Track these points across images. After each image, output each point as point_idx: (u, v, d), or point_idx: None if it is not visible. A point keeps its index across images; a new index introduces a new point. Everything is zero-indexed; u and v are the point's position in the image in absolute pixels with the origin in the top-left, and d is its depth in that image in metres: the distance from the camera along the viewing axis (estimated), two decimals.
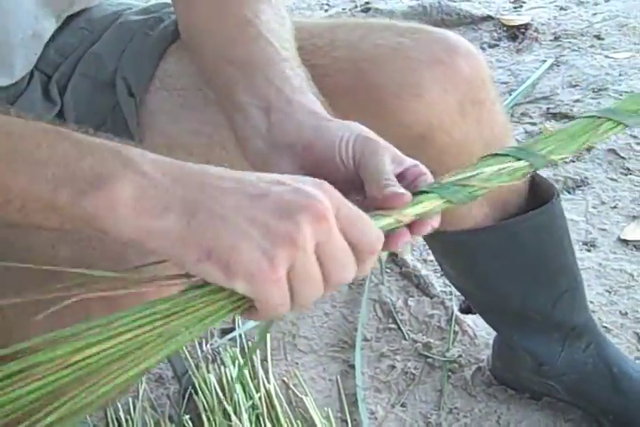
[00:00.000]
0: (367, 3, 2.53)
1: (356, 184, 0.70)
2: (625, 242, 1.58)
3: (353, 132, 0.71)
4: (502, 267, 1.10)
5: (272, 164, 0.74)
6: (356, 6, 2.53)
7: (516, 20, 2.32)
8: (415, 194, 0.68)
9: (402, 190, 0.66)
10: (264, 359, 1.39)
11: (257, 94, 0.77)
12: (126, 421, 1.32)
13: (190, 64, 0.93)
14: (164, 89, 0.95)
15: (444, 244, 1.12)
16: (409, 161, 0.71)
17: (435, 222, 0.69)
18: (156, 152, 0.94)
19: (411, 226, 0.67)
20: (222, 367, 1.36)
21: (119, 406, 1.34)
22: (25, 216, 0.61)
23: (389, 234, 0.66)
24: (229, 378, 1.33)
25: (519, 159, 0.71)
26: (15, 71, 0.92)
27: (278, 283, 0.59)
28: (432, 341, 1.41)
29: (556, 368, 1.21)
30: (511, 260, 1.09)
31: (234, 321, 1.48)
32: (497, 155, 0.72)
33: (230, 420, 1.25)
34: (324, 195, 0.60)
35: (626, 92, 1.99)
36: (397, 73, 0.89)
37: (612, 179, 1.74)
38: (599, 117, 0.76)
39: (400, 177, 0.69)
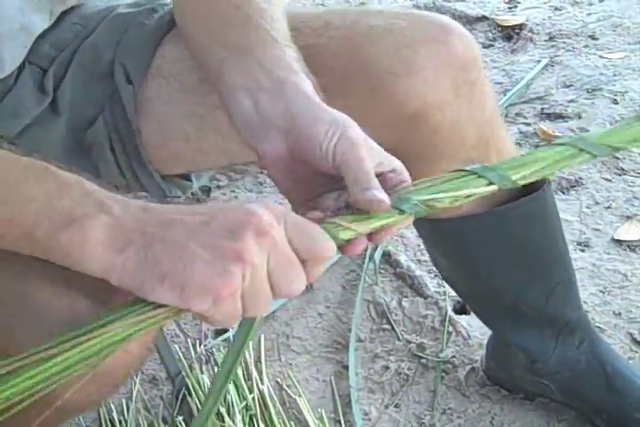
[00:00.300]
0: (362, 3, 2.54)
1: (337, 177, 0.73)
2: (619, 242, 1.59)
3: (338, 130, 0.73)
4: (494, 256, 1.11)
5: (264, 142, 0.77)
6: (351, 6, 2.53)
7: (511, 20, 2.32)
8: None
9: (382, 196, 0.69)
10: (257, 360, 1.39)
11: (248, 77, 0.79)
12: (120, 422, 1.32)
13: (186, 49, 0.94)
14: (160, 76, 0.97)
15: (437, 232, 1.12)
16: (392, 163, 0.74)
17: (392, 231, 0.72)
18: (152, 139, 0.97)
19: (370, 235, 0.71)
20: (216, 368, 1.36)
21: (112, 407, 1.34)
22: (4, 243, 0.67)
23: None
24: None
25: (488, 180, 0.74)
26: (5, 66, 0.93)
27: (233, 297, 0.63)
28: (426, 341, 1.41)
29: (550, 366, 1.21)
30: (503, 248, 1.10)
31: None
32: (464, 170, 0.75)
33: (224, 421, 1.25)
34: (265, 210, 0.65)
35: (620, 92, 1.99)
36: (392, 49, 0.90)
37: (606, 179, 1.74)
38: (581, 150, 0.78)
39: (382, 179, 0.72)
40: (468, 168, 0.76)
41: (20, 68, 0.97)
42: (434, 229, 1.10)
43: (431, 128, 0.93)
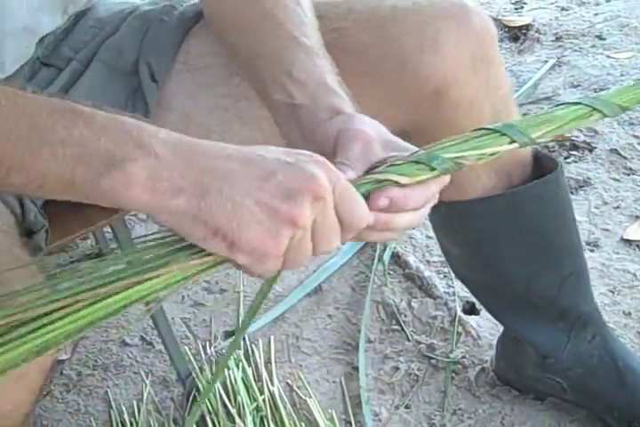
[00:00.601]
0: None
1: None
2: (628, 242, 1.58)
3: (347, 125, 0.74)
4: (507, 241, 1.11)
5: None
6: None
7: (518, 20, 2.31)
8: (412, 162, 0.71)
9: None
10: (268, 362, 1.39)
11: (284, 91, 0.80)
12: (131, 424, 1.33)
13: (214, 44, 0.96)
14: (186, 70, 0.98)
15: (452, 217, 1.12)
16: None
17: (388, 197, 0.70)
18: (174, 131, 0.97)
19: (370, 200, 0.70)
20: (226, 370, 1.36)
21: (123, 408, 1.35)
22: (44, 193, 0.67)
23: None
24: (233, 380, 1.33)
25: (509, 138, 0.75)
26: (5, 66, 0.94)
27: (279, 256, 0.65)
28: (435, 342, 1.41)
29: (562, 362, 1.21)
30: (516, 233, 1.10)
31: (237, 324, 1.48)
32: (490, 130, 0.76)
33: (234, 422, 1.26)
34: (323, 174, 0.65)
35: None
36: (416, 27, 0.93)
37: (614, 179, 1.74)
38: (585, 106, 0.80)
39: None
40: (489, 126, 0.76)
41: (36, 70, 0.98)
42: (449, 212, 1.09)
43: (452, 106, 0.96)
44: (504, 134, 0.75)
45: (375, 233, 0.71)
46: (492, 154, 0.74)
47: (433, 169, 0.71)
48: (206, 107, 0.97)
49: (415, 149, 0.73)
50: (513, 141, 0.75)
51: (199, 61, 0.98)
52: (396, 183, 0.69)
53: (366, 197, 0.69)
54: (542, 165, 1.07)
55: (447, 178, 0.72)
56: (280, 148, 0.68)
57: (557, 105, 0.81)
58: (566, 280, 1.13)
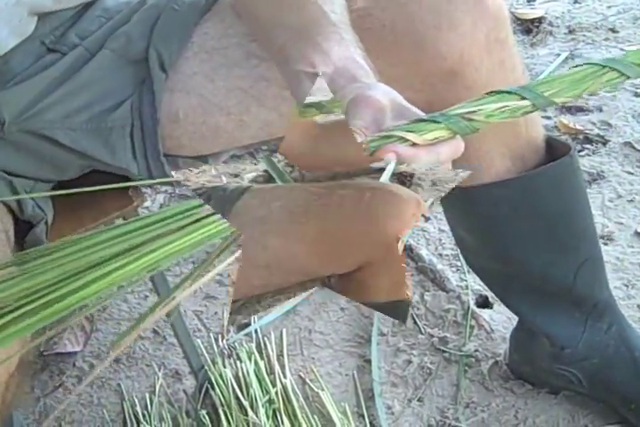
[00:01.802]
0: None
1: None
2: None
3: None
4: (522, 227, 1.11)
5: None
6: None
7: (530, 13, 2.30)
8: (423, 121, 0.69)
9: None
10: (280, 354, 1.39)
11: (306, 61, 0.80)
12: (143, 416, 1.33)
13: (232, 25, 0.97)
14: (203, 51, 0.99)
15: (467, 202, 1.12)
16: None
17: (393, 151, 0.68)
18: (192, 114, 1.00)
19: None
20: (238, 362, 1.36)
21: (136, 401, 1.35)
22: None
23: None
24: (246, 373, 1.33)
25: (522, 98, 0.73)
26: (1, 43, 0.95)
27: None
28: (448, 335, 1.41)
29: (578, 352, 1.20)
30: (531, 218, 1.10)
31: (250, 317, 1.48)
32: (501, 92, 0.73)
33: (247, 415, 1.26)
34: None
35: None
36: (435, 5, 0.94)
37: (628, 172, 1.73)
38: (603, 66, 0.77)
39: None
40: (502, 89, 0.74)
41: (41, 55, 0.99)
42: (464, 197, 1.09)
43: (467, 85, 0.97)
44: (516, 94, 0.72)
45: None
46: (504, 112, 0.71)
47: (440, 124, 0.68)
48: (224, 88, 0.98)
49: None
50: (524, 98, 0.72)
51: (217, 42, 0.98)
52: (405, 141, 0.67)
53: (373, 153, 0.66)
54: (555, 151, 1.07)
55: (461, 143, 0.69)
56: None
57: (572, 67, 0.79)
58: (582, 267, 1.13)
